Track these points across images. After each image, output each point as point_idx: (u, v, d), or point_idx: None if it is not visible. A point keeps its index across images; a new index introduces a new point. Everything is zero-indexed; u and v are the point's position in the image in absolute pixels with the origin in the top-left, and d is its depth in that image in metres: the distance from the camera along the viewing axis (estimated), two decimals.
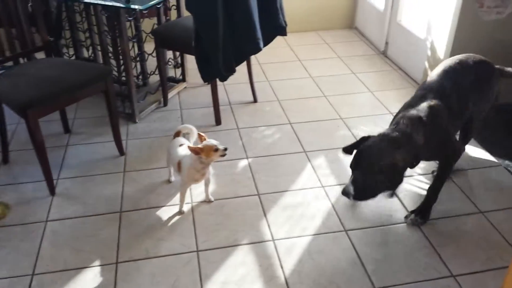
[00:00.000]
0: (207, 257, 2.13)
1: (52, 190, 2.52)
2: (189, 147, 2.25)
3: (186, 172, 2.31)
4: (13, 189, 2.57)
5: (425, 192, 2.47)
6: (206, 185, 2.45)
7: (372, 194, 2.09)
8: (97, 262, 2.11)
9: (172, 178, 2.61)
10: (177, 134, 2.54)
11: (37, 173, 2.56)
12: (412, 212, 2.35)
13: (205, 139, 2.27)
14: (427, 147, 2.09)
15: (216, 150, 2.21)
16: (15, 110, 2.35)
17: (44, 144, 2.44)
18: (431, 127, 2.09)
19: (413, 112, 2.12)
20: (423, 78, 3.49)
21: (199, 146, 2.23)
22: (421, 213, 2.32)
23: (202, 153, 2.22)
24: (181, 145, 2.43)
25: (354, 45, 4.49)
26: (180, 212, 2.39)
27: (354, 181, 2.04)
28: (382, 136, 2.06)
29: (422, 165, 2.72)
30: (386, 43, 4.19)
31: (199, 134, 2.33)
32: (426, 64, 3.42)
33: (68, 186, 2.59)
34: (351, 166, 2.09)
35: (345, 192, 2.06)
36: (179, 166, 2.35)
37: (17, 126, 3.12)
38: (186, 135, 2.57)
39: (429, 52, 3.37)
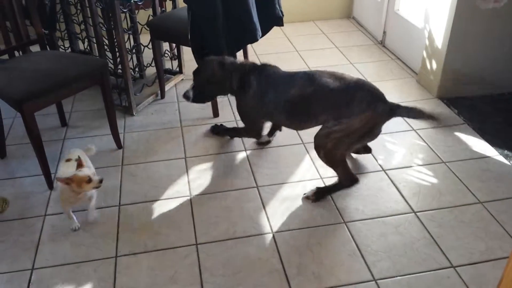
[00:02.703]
0: (206, 250, 2.13)
1: (50, 184, 2.50)
2: (57, 178, 2.05)
3: (60, 193, 2.18)
4: (11, 183, 2.55)
5: (424, 183, 2.47)
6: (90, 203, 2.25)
7: (204, 99, 2.67)
8: (96, 256, 2.11)
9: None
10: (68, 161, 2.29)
11: (35, 167, 2.54)
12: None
13: (82, 166, 2.09)
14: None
15: (89, 181, 2.04)
16: (11, 104, 2.33)
17: (40, 138, 2.42)
18: (248, 81, 2.45)
19: (255, 63, 2.53)
20: (421, 67, 3.48)
21: (69, 176, 2.04)
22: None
23: (73, 184, 2.04)
24: (68, 160, 2.25)
25: (352, 35, 4.46)
26: (73, 229, 2.23)
27: (193, 87, 2.55)
28: (218, 58, 2.52)
29: (421, 156, 2.71)
30: (384, 32, 4.17)
31: (79, 161, 2.11)
32: (424, 53, 3.40)
33: None
34: (193, 73, 2.58)
35: (185, 96, 2.56)
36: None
37: (13, 120, 3.09)
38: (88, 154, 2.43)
39: (427, 42, 3.35)
